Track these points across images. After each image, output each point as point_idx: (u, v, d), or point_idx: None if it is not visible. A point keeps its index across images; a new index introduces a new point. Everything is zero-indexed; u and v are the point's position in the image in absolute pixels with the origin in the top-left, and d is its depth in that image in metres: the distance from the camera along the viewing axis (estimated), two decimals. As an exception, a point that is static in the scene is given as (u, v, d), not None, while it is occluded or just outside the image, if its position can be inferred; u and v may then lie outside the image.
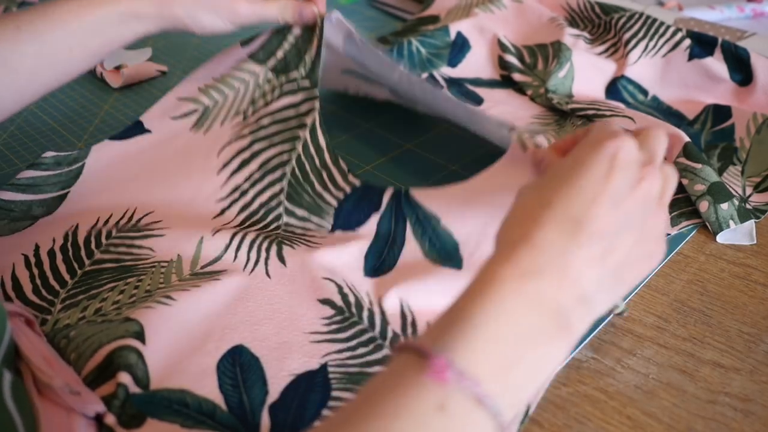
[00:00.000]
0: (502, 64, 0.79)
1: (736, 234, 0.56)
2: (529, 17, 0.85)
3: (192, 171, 0.58)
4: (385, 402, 0.26)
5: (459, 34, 0.81)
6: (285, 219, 0.55)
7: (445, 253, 0.51)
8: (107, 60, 0.80)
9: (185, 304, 0.45)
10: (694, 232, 0.58)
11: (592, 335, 0.48)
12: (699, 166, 0.59)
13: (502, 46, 0.80)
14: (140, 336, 0.42)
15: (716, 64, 0.75)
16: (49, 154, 0.59)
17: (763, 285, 0.53)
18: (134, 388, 0.40)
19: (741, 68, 0.75)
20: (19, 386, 0.35)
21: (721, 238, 0.56)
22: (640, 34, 0.79)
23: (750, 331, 0.48)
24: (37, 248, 0.51)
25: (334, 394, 0.42)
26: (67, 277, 0.49)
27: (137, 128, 0.61)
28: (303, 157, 0.57)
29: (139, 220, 0.54)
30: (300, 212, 0.55)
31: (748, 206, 0.60)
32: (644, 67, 0.76)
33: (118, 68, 0.80)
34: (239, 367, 0.43)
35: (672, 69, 0.76)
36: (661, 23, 0.78)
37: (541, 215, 0.31)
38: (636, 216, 0.33)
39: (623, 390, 0.44)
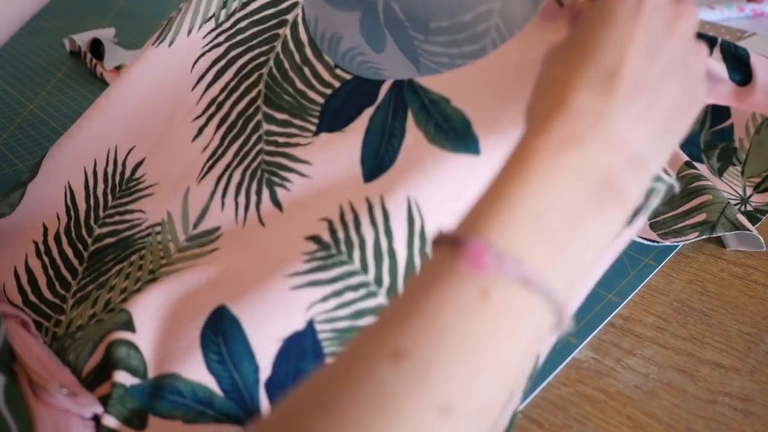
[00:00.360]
0: None
1: (747, 240, 0.56)
2: None
3: (163, 91, 0.52)
4: (421, 301, 0.23)
5: None
6: (265, 126, 0.48)
7: (454, 134, 0.42)
8: (107, 60, 0.80)
9: (177, 287, 0.43)
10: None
11: (592, 335, 0.48)
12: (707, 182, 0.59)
13: None
14: (129, 325, 0.41)
15: (715, 63, 0.75)
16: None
17: (763, 285, 0.53)
18: (132, 380, 0.39)
19: (740, 68, 0.75)
20: (12, 389, 0.35)
21: (732, 244, 0.56)
22: None
23: (750, 331, 0.48)
24: (45, 231, 0.50)
25: (328, 360, 0.40)
26: (75, 263, 0.48)
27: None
28: (282, 55, 0.49)
29: (124, 165, 0.50)
30: (280, 116, 0.48)
31: (749, 207, 0.60)
32: None
33: (118, 68, 0.80)
34: (221, 336, 0.40)
35: None
36: None
37: (572, 78, 0.28)
38: (677, 60, 0.29)
39: (623, 390, 0.44)
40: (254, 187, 0.46)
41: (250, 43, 0.51)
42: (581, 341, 0.47)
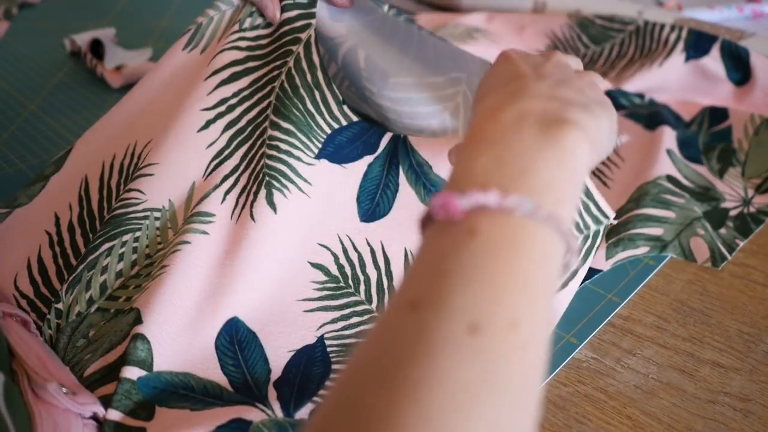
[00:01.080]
0: None
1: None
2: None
3: (182, 83, 0.53)
4: (421, 260, 0.25)
5: None
6: (269, 132, 0.50)
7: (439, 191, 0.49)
8: (107, 60, 0.80)
9: (174, 269, 0.44)
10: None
11: (592, 335, 0.48)
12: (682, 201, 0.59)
13: None
14: (138, 320, 0.43)
15: (713, 63, 0.75)
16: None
17: (763, 285, 0.53)
18: (140, 373, 0.40)
19: (739, 67, 0.75)
20: (11, 388, 0.35)
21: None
22: (636, 56, 0.79)
23: (749, 331, 0.48)
24: (57, 221, 0.50)
25: (335, 367, 0.44)
26: (83, 249, 0.49)
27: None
28: (294, 71, 0.52)
29: (140, 155, 0.51)
30: (285, 125, 0.50)
31: (751, 209, 0.60)
32: (640, 80, 0.76)
33: (118, 68, 0.80)
34: (237, 345, 0.43)
35: (668, 74, 0.76)
36: (657, 37, 0.78)
37: (487, 95, 0.34)
38: (562, 70, 0.35)
39: (623, 390, 0.44)
40: (254, 188, 0.48)
41: (267, 59, 0.53)
42: (581, 341, 0.47)
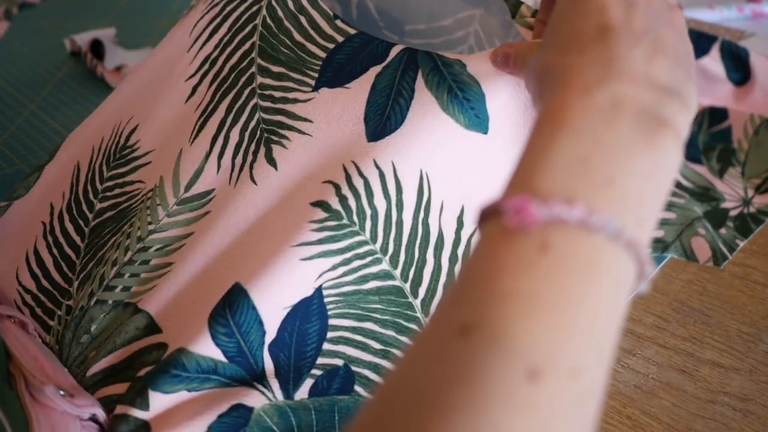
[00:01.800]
0: None
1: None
2: None
3: (166, 59, 0.50)
4: (478, 271, 0.22)
5: None
6: (259, 79, 0.45)
7: (470, 108, 0.41)
8: (107, 60, 0.80)
9: (183, 267, 0.42)
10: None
11: (591, 335, 0.48)
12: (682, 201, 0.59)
13: None
14: (153, 327, 0.41)
15: (713, 63, 0.75)
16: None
17: (763, 285, 0.53)
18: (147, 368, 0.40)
19: (739, 67, 0.75)
20: (7, 393, 0.35)
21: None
22: None
23: (749, 331, 0.48)
24: (52, 210, 0.49)
25: (332, 322, 0.40)
26: (77, 240, 0.47)
27: None
28: (274, 2, 0.47)
29: (121, 134, 0.49)
30: (276, 68, 0.45)
31: (751, 209, 0.60)
32: None
33: (118, 68, 0.80)
34: (229, 308, 0.40)
35: None
36: None
37: (567, 47, 0.27)
38: (656, 9, 0.29)
39: (623, 390, 0.44)
40: (252, 147, 0.44)
41: None
42: (581, 341, 0.47)
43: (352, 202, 0.41)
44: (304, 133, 0.43)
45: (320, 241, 0.40)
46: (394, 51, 0.44)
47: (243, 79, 0.45)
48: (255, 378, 0.40)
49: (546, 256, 0.21)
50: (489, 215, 0.23)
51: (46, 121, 0.72)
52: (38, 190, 0.50)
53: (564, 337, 0.20)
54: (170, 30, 0.53)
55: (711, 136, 0.69)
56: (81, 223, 0.48)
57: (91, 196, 0.48)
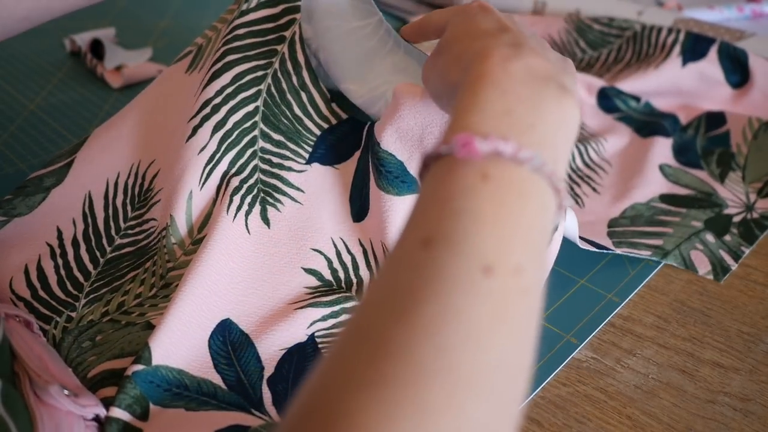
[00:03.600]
0: None
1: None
2: None
3: (181, 105, 0.53)
4: (433, 196, 0.26)
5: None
6: (260, 143, 0.49)
7: (393, 178, 0.47)
8: (107, 60, 0.80)
9: (184, 296, 0.45)
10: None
11: (592, 335, 0.48)
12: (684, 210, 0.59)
13: None
14: (148, 361, 0.42)
15: (711, 67, 0.75)
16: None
17: (763, 285, 0.53)
18: (137, 367, 0.41)
19: (737, 69, 0.75)
20: (11, 392, 0.35)
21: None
22: (632, 61, 0.79)
23: (749, 331, 0.49)
24: (60, 235, 0.51)
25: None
26: (90, 267, 0.49)
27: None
28: (279, 74, 0.50)
29: (144, 177, 0.52)
30: (276, 136, 0.50)
31: (754, 214, 0.60)
32: (636, 81, 0.76)
33: (118, 68, 0.80)
34: (230, 345, 0.44)
35: (665, 78, 0.76)
36: (654, 42, 0.78)
37: (468, 44, 0.33)
38: (515, 26, 0.35)
39: (623, 390, 0.44)
40: (248, 199, 0.48)
41: (248, 53, 0.51)
42: (581, 341, 0.47)
43: (341, 274, 0.48)
44: (296, 201, 0.49)
45: (312, 297, 0.46)
46: (365, 131, 0.50)
47: (246, 139, 0.50)
48: (253, 406, 0.41)
49: (487, 183, 0.26)
50: (435, 157, 0.27)
51: (46, 121, 0.72)
52: (44, 211, 0.52)
53: (507, 243, 0.25)
54: (177, 67, 0.56)
55: (709, 140, 0.69)
56: (98, 254, 0.50)
57: (113, 232, 0.51)
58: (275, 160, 0.49)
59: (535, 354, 0.25)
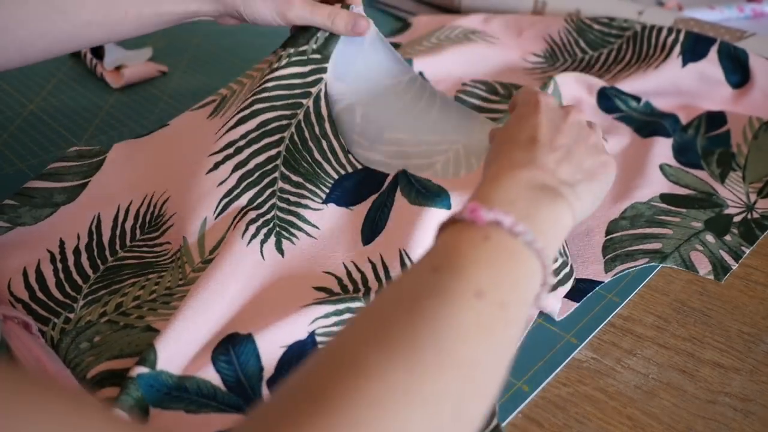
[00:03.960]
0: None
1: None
2: (501, 59, 0.85)
3: (199, 145, 0.57)
4: (445, 242, 0.33)
5: (421, 74, 0.77)
6: (280, 184, 0.53)
7: (431, 195, 0.52)
8: (107, 60, 0.80)
9: (194, 304, 0.45)
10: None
11: (592, 335, 0.48)
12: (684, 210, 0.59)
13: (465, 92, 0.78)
14: (153, 364, 0.43)
15: (711, 67, 0.75)
16: (74, 148, 0.60)
17: (763, 285, 0.53)
18: (141, 369, 0.41)
19: (738, 69, 0.75)
20: None
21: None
22: (633, 61, 0.79)
23: (750, 331, 0.48)
24: (62, 244, 0.52)
25: None
26: (90, 271, 0.50)
27: (159, 127, 0.61)
28: (303, 124, 0.56)
29: (156, 205, 0.54)
30: (295, 178, 0.54)
31: (755, 214, 0.60)
32: (636, 82, 0.76)
33: (118, 68, 0.80)
34: (230, 343, 0.44)
35: (665, 78, 0.75)
36: (654, 42, 0.78)
37: (505, 146, 0.41)
38: (575, 132, 0.42)
39: (623, 390, 0.44)
40: (264, 230, 0.51)
41: (275, 103, 0.55)
42: (581, 341, 0.47)
43: (350, 288, 0.49)
44: (310, 236, 0.53)
45: (318, 301, 0.47)
46: (387, 180, 0.55)
47: (267, 180, 0.53)
48: (251, 406, 0.41)
49: (487, 242, 0.32)
50: (448, 223, 0.34)
51: (46, 121, 0.72)
52: (50, 223, 0.54)
53: (498, 281, 0.31)
54: (199, 113, 0.60)
55: (709, 140, 0.69)
56: (98, 262, 0.51)
57: (117, 247, 0.53)
58: (293, 198, 0.53)
59: (505, 379, 0.30)
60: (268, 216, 0.52)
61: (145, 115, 0.74)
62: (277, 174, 0.54)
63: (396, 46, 0.86)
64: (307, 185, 0.54)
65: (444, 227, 0.35)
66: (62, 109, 0.75)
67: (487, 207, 0.33)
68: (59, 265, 0.50)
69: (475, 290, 0.30)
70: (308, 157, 0.55)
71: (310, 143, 0.55)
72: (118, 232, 0.53)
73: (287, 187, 0.53)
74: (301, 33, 0.58)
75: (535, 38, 0.87)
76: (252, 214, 0.51)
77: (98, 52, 0.82)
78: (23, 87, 0.79)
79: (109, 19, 0.52)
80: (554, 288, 0.50)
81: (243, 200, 0.52)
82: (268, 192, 0.53)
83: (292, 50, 0.57)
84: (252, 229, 0.50)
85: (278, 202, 0.53)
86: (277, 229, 0.52)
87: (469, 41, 0.85)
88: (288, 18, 0.56)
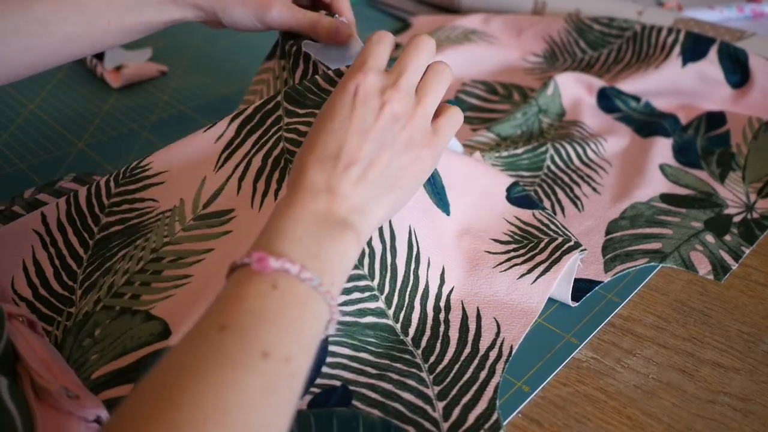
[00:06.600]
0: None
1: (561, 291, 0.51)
2: (501, 59, 0.84)
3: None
4: (231, 297, 0.33)
5: None
6: (286, 120, 0.49)
7: (437, 192, 0.52)
8: (107, 60, 0.80)
9: (203, 280, 0.44)
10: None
11: (592, 335, 0.48)
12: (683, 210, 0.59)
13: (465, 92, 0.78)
14: (167, 333, 0.42)
15: (711, 67, 0.75)
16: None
17: (763, 285, 0.53)
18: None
19: (737, 69, 0.75)
20: (15, 390, 0.35)
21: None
22: (632, 61, 0.79)
23: (750, 331, 0.49)
24: (44, 218, 0.50)
25: (331, 348, 0.44)
26: (81, 251, 0.49)
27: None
28: (294, 84, 0.51)
29: (136, 166, 0.51)
30: (302, 111, 0.49)
31: (754, 214, 0.60)
32: (636, 82, 0.76)
33: (118, 68, 0.80)
34: None
35: (665, 78, 0.76)
36: (654, 42, 0.78)
37: (308, 159, 0.39)
38: (383, 136, 0.40)
39: (623, 390, 0.44)
40: (276, 175, 0.47)
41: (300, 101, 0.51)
42: (581, 341, 0.47)
43: (366, 249, 0.46)
44: None
45: None
46: None
47: (270, 120, 0.49)
48: None
49: (275, 291, 0.33)
50: (239, 265, 0.35)
51: (46, 121, 0.72)
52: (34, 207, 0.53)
53: (283, 338, 0.32)
54: (207, 135, 0.55)
55: (709, 140, 0.69)
56: (86, 235, 0.49)
57: (96, 210, 0.50)
58: (303, 128, 0.48)
59: (289, 424, 0.31)
60: (276, 152, 0.48)
61: (145, 115, 0.74)
62: (280, 111, 0.50)
63: (396, 46, 0.86)
64: (318, 112, 0.48)
65: (233, 269, 0.35)
66: (62, 109, 0.75)
67: (274, 256, 0.34)
68: (52, 250, 0.49)
69: (261, 351, 0.31)
70: (314, 88, 0.49)
71: (307, 82, 0.50)
72: (92, 190, 0.51)
73: (295, 120, 0.49)
74: (287, 40, 0.56)
75: (534, 38, 0.87)
76: (257, 162, 0.48)
77: (98, 52, 0.82)
78: (23, 87, 0.79)
79: (92, 31, 0.52)
80: (558, 260, 0.50)
81: (246, 146, 0.49)
82: (273, 129, 0.49)
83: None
84: (261, 186, 0.47)
85: (285, 134, 0.48)
86: (290, 166, 0.47)
87: (469, 41, 0.85)
88: (266, 23, 0.54)
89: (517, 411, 0.42)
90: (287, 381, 0.31)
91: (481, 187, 0.57)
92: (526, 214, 0.56)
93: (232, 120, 0.50)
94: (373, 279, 0.46)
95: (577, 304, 0.50)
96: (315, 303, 0.34)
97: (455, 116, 0.44)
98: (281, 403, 0.31)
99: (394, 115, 0.41)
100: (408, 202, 0.43)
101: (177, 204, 0.48)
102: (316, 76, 0.49)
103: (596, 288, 0.51)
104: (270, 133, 0.49)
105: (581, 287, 0.51)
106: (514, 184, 0.59)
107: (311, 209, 0.37)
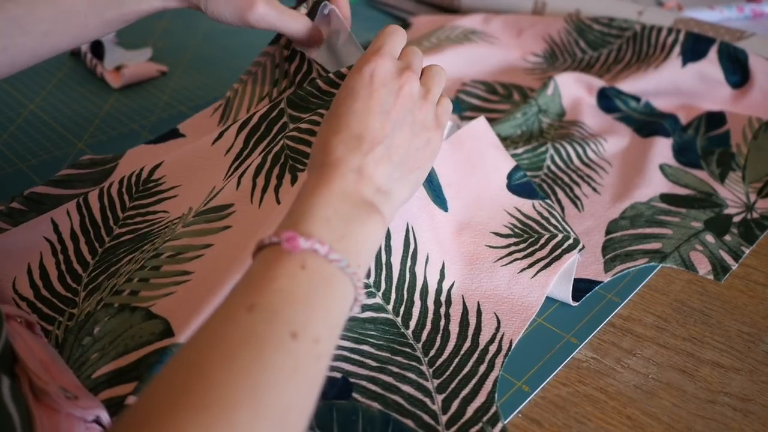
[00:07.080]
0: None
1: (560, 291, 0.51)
2: (501, 59, 0.84)
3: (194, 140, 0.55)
4: (262, 276, 0.33)
5: None
6: (291, 125, 0.50)
7: (434, 190, 0.53)
8: (107, 60, 0.80)
9: (203, 278, 0.44)
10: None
11: (592, 335, 0.48)
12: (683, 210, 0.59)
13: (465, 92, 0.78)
14: (169, 332, 0.42)
15: (711, 67, 0.75)
16: (87, 157, 0.59)
17: (763, 285, 0.53)
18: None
19: (737, 69, 0.75)
20: (16, 390, 0.35)
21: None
22: (632, 61, 0.79)
23: (750, 331, 0.49)
24: (56, 227, 0.50)
25: None
26: (89, 257, 0.49)
27: (172, 134, 0.60)
28: (296, 88, 0.53)
29: (143, 169, 0.52)
30: (306, 115, 0.50)
31: (754, 214, 0.60)
32: (636, 82, 0.76)
33: (118, 68, 0.80)
34: None
35: (665, 78, 0.76)
36: (654, 42, 0.78)
37: (332, 140, 0.40)
38: (404, 116, 0.42)
39: (623, 390, 0.44)
40: (276, 171, 0.48)
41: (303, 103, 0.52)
42: (581, 341, 0.47)
43: None
44: None
45: None
46: None
47: (276, 128, 0.50)
48: None
49: (303, 271, 0.33)
50: (267, 245, 0.35)
51: (46, 121, 0.72)
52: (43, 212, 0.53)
53: (311, 319, 0.32)
54: (210, 120, 0.60)
55: (709, 140, 0.69)
56: (96, 245, 0.50)
57: (111, 222, 0.51)
58: (304, 126, 0.48)
59: (315, 404, 0.31)
60: (277, 148, 0.48)
61: (145, 115, 0.74)
62: (285, 118, 0.51)
63: None
64: (321, 111, 0.49)
65: (260, 247, 0.35)
66: (62, 109, 0.75)
67: (304, 236, 0.34)
68: (61, 257, 0.49)
69: (290, 331, 0.31)
70: (315, 92, 0.50)
71: (308, 86, 0.50)
72: (106, 201, 0.51)
73: (298, 122, 0.49)
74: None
75: (534, 38, 0.87)
76: (257, 159, 0.48)
77: (98, 52, 0.82)
78: (23, 87, 0.79)
79: (70, 27, 0.51)
80: (558, 258, 0.51)
81: (255, 155, 0.49)
82: (279, 136, 0.49)
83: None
84: (260, 182, 0.47)
85: (288, 132, 0.49)
86: (290, 162, 0.47)
87: (469, 41, 0.85)
88: (247, 21, 0.53)
89: (517, 411, 0.42)
90: (315, 362, 0.31)
91: (479, 179, 0.57)
92: (526, 206, 0.56)
93: (239, 131, 0.51)
94: (368, 276, 0.46)
95: (577, 304, 0.50)
96: (342, 284, 0.34)
97: (449, 106, 0.46)
98: (309, 385, 0.31)
99: (412, 96, 0.42)
100: (420, 185, 0.44)
101: (185, 212, 0.49)
102: (317, 80, 0.50)
103: (596, 288, 0.51)
104: (276, 140, 0.49)
105: (581, 287, 0.51)
106: (516, 169, 0.59)
107: (339, 190, 0.38)
